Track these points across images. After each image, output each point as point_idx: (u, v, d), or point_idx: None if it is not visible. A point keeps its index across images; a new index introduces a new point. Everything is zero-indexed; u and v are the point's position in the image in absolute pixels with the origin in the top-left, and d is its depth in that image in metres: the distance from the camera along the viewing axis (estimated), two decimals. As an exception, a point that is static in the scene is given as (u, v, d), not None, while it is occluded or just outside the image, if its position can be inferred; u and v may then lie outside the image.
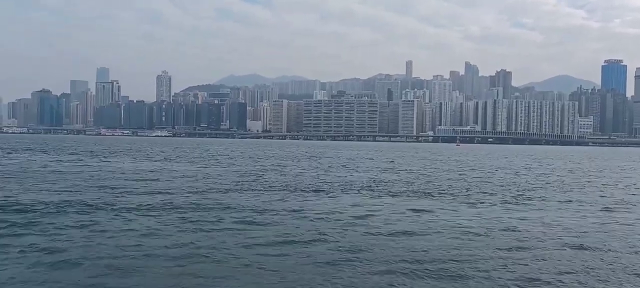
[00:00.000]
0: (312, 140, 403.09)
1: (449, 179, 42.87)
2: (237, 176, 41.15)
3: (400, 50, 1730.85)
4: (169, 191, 28.48)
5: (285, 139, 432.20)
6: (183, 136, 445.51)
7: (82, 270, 12.28)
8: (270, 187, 32.66)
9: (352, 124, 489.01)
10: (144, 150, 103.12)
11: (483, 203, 26.55)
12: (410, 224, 19.27)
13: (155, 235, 16.25)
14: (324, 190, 31.02)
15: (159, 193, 27.38)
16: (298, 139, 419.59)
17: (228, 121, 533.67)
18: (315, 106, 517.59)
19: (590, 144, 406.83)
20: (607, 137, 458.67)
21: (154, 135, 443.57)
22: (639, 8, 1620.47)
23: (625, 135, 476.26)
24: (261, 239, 15.98)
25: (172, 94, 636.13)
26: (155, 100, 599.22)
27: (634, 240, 17.17)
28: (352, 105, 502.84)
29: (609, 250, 15.42)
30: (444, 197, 29.20)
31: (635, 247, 16.05)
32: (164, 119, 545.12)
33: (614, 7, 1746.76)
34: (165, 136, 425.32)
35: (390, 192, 31.29)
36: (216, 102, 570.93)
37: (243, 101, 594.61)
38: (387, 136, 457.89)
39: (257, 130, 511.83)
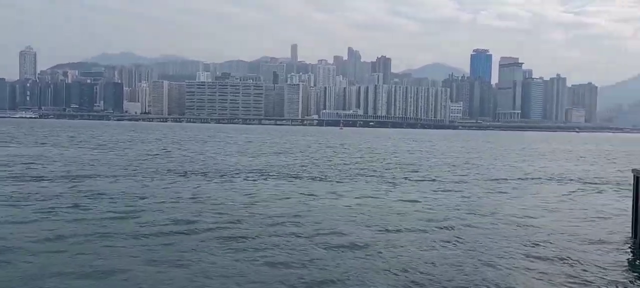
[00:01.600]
0: (195, 123, 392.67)
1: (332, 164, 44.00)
2: (121, 161, 38.84)
3: (286, 33, 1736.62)
4: (43, 177, 26.13)
5: (166, 121, 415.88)
6: (51, 118, 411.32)
7: None
8: (154, 172, 31.17)
9: (238, 107, 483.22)
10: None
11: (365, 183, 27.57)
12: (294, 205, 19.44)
13: (20, 226, 14.86)
14: (213, 175, 30.22)
15: (30, 180, 25.02)
16: (180, 122, 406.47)
17: (102, 102, 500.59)
18: (198, 88, 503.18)
19: (459, 127, 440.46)
20: (474, 121, 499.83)
21: (17, 116, 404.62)
22: (504, 2, 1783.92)
23: (489, 120, 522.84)
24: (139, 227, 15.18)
25: (38, 71, 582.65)
26: (18, 78, 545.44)
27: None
28: (237, 87, 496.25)
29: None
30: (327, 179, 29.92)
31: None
32: (28, 99, 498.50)
33: (481, 1, 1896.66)
34: (30, 118, 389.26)
35: (280, 173, 31.38)
36: (89, 81, 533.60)
37: (119, 81, 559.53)
38: (273, 120, 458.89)
39: (136, 113, 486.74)
